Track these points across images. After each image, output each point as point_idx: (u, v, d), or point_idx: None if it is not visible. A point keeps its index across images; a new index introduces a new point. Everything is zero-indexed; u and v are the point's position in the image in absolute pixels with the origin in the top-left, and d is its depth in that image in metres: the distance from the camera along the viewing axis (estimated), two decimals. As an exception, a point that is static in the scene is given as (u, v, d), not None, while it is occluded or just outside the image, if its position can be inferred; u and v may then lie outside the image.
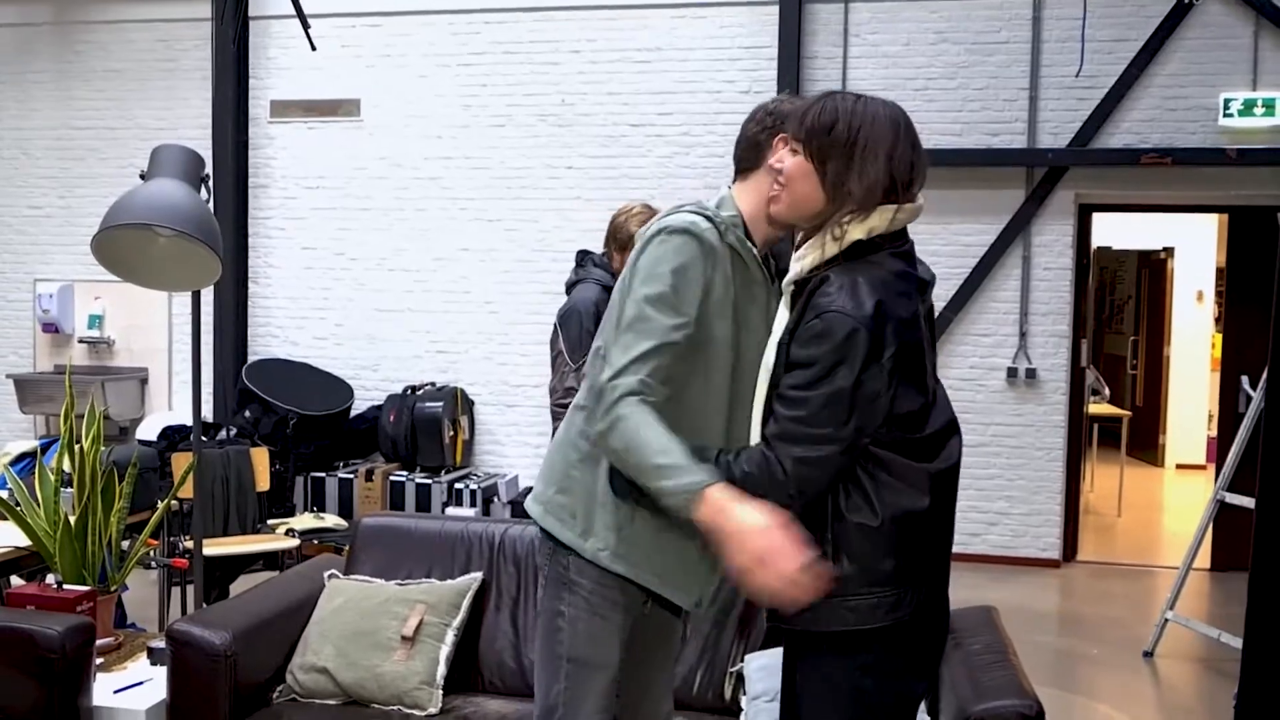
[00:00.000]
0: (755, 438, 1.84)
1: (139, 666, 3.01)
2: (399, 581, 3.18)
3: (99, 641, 2.91)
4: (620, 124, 6.31)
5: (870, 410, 1.75)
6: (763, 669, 2.84)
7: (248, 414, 5.92)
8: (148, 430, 5.75)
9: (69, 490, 3.25)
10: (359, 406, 6.41)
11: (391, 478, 5.96)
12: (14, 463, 4.00)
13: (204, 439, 5.41)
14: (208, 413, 6.30)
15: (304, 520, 5.05)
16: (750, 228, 1.96)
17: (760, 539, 1.67)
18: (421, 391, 6.23)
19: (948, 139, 6.07)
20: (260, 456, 4.73)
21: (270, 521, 5.11)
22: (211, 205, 5.81)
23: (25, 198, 6.79)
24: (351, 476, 5.93)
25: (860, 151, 1.77)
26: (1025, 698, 2.29)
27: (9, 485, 3.21)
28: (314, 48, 5.45)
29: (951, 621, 2.93)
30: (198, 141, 6.40)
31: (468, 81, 6.46)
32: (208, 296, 6.32)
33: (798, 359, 1.75)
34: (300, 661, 2.98)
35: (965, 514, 6.17)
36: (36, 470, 3.29)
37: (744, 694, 2.87)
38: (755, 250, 1.98)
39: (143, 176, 3.15)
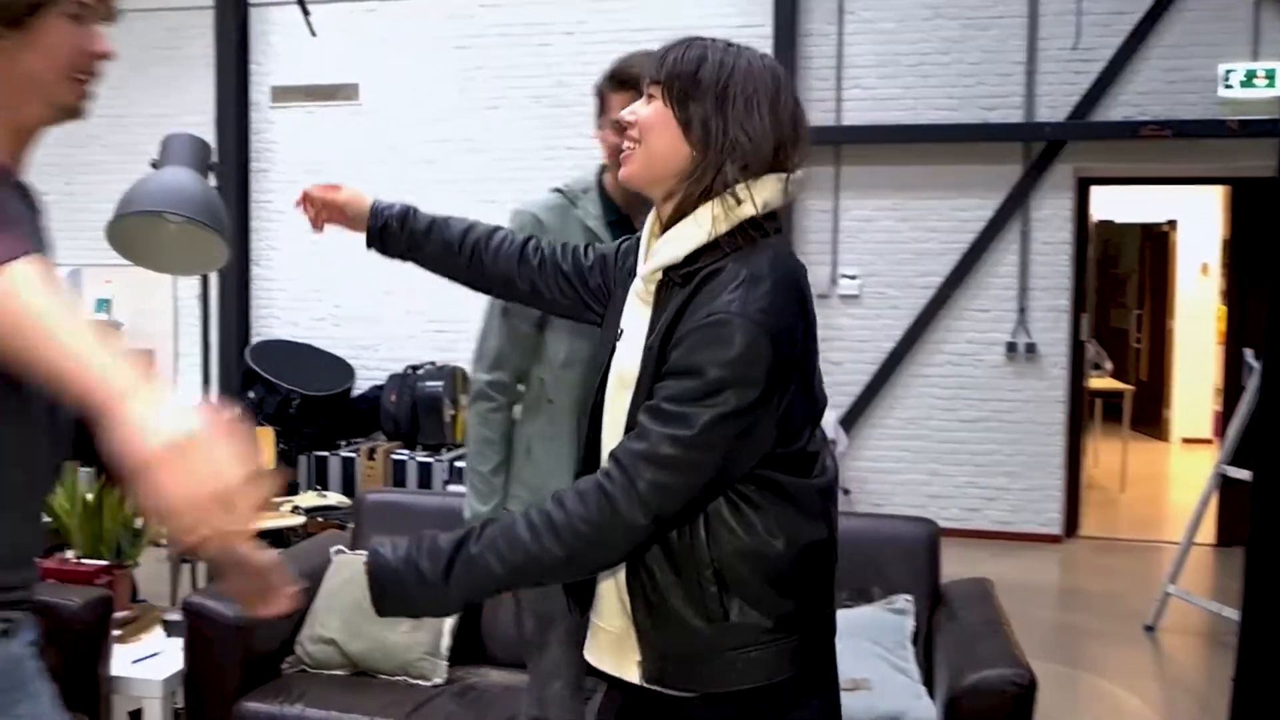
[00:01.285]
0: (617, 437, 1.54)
1: (155, 638, 3.18)
2: (403, 556, 3.35)
3: (117, 614, 3.08)
4: (618, 104, 6.43)
5: (760, 439, 1.47)
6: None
7: (252, 394, 6.08)
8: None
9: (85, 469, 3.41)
10: (360, 386, 6.57)
11: (393, 456, 6.12)
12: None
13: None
14: (213, 393, 6.47)
15: (308, 498, 5.21)
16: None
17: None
18: (422, 371, 6.38)
19: (944, 114, 6.18)
20: (265, 436, 4.89)
21: (275, 500, 5.28)
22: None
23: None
24: (354, 455, 6.10)
25: (735, 97, 1.49)
26: (1018, 667, 2.43)
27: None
28: (313, 34, 5.58)
29: (945, 593, 3.08)
30: (200, 127, 6.53)
31: (464, 65, 6.58)
32: (213, 279, 6.49)
33: (681, 367, 1.44)
34: (309, 633, 3.15)
35: (963, 489, 6.32)
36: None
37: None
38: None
39: (154, 165, 3.30)
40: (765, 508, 1.50)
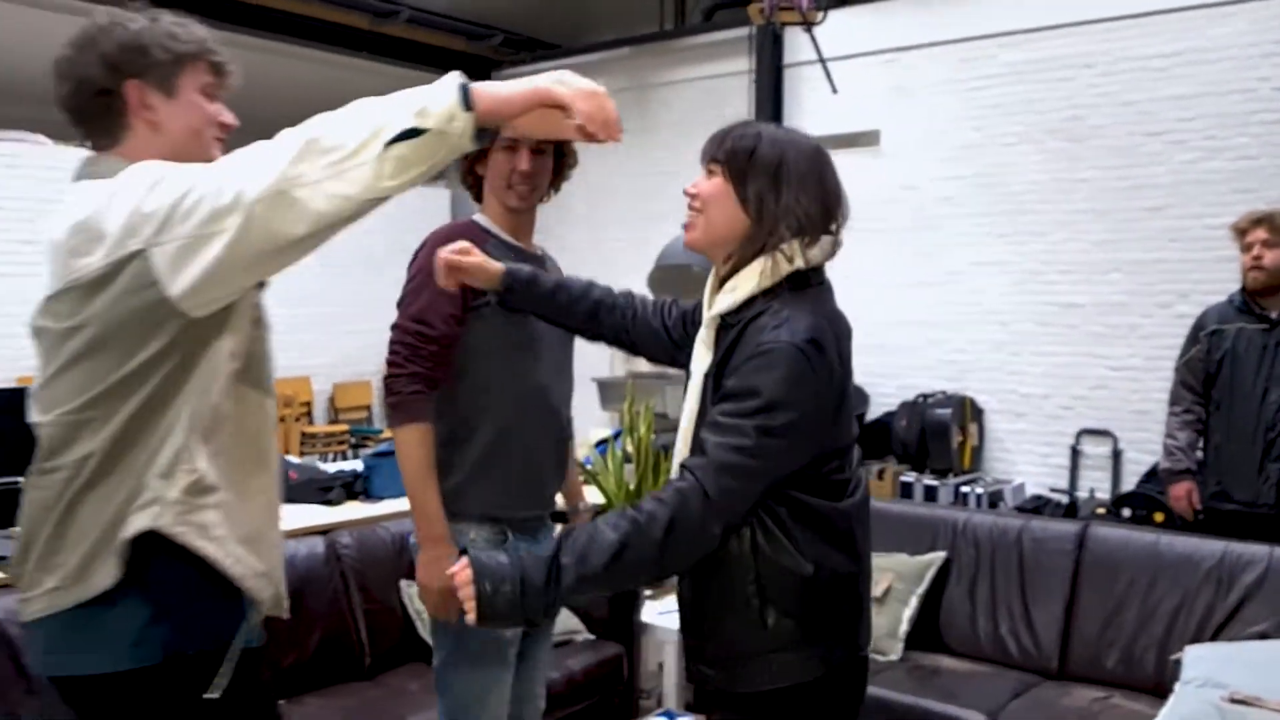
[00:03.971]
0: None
1: (674, 599, 4.18)
2: (874, 553, 4.05)
3: (648, 578, 4.11)
4: (1135, 133, 6.58)
5: (801, 455, 1.74)
6: (1199, 658, 3.31)
7: (775, 415, 7.10)
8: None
9: (630, 465, 4.52)
10: (874, 411, 7.33)
11: (901, 478, 6.80)
12: (596, 445, 5.43)
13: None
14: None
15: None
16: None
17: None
18: (932, 399, 7.00)
19: None
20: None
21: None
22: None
23: (606, 231, 8.59)
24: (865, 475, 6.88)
25: (789, 175, 1.79)
26: None
27: (592, 461, 4.55)
28: (835, 90, 6.47)
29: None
30: (738, 176, 7.74)
31: (979, 104, 7.11)
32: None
33: (736, 389, 1.73)
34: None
35: None
36: (609, 451, 4.61)
37: (1178, 680, 3.34)
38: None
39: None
40: (797, 531, 1.76)
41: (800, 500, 1.77)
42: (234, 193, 1.52)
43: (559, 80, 1.67)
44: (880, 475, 6.86)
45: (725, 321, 1.83)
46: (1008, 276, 7.03)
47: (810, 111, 7.72)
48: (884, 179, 7.46)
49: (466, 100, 1.56)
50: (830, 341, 1.77)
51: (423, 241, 2.47)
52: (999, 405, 7.08)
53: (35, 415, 1.66)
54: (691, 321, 2.09)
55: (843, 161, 7.00)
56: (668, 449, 4.68)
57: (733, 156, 1.83)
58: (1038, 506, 6.43)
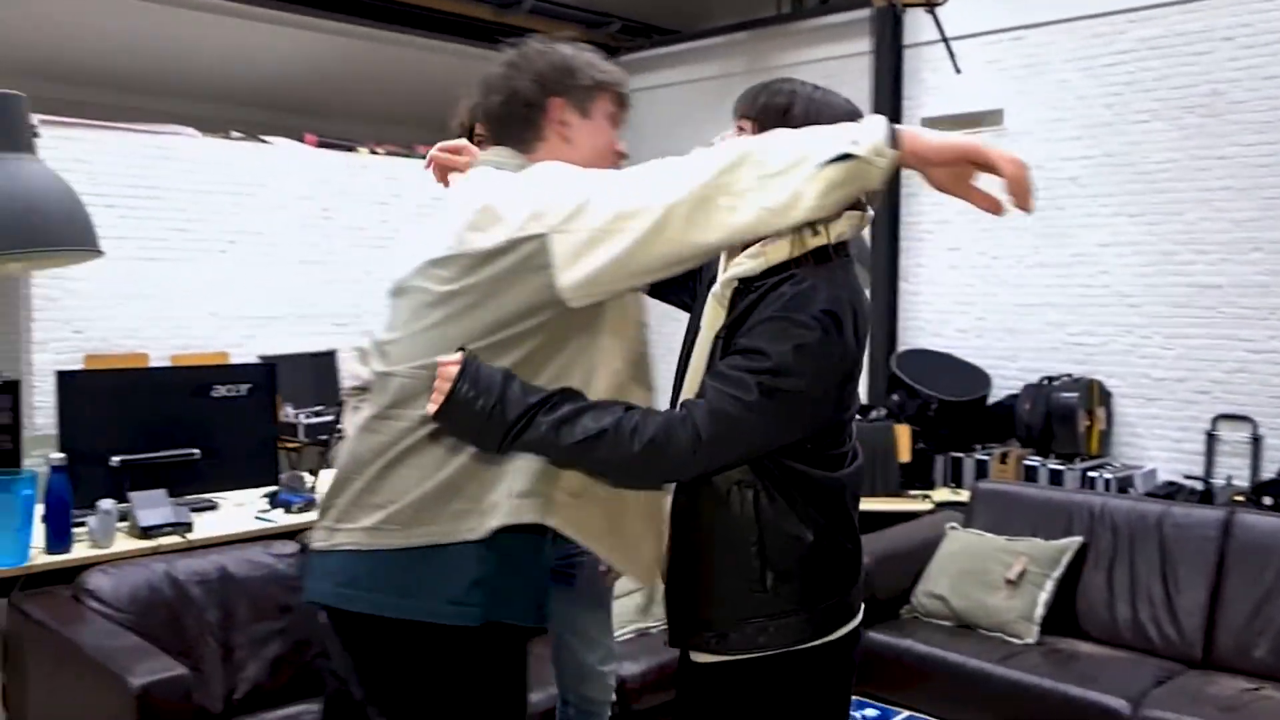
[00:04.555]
0: None
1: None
2: (1007, 537, 4.06)
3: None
4: (1279, 108, 6.39)
5: (801, 425, 1.74)
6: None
7: (895, 398, 7.07)
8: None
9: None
10: (997, 394, 7.25)
11: (1025, 462, 6.72)
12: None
13: (857, 417, 6.67)
14: (863, 396, 7.59)
15: (940, 494, 6.05)
16: None
17: None
18: (1058, 382, 6.90)
19: None
20: (903, 433, 5.82)
21: (912, 492, 6.21)
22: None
23: (723, 213, 8.64)
24: (987, 458, 6.81)
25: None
26: None
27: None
28: (958, 70, 6.41)
29: None
30: (859, 159, 7.71)
31: (1110, 81, 6.96)
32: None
33: (747, 346, 1.71)
34: (923, 589, 4.00)
35: None
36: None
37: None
38: None
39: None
40: (799, 497, 1.76)
41: (800, 470, 1.76)
42: (651, 195, 1.63)
43: (988, 142, 1.70)
44: (1003, 459, 6.79)
45: (744, 286, 1.80)
46: (1140, 257, 6.88)
47: (931, 90, 7.65)
48: (1009, 159, 7.35)
49: (893, 140, 1.62)
50: (849, 317, 1.76)
51: None
52: (1129, 389, 6.95)
53: (381, 365, 1.79)
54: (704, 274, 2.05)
55: (974, 143, 6.72)
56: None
57: (765, 113, 1.82)
58: (1170, 493, 6.30)
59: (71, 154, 6.14)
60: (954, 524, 4.22)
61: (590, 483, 1.73)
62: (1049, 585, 3.84)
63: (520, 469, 1.69)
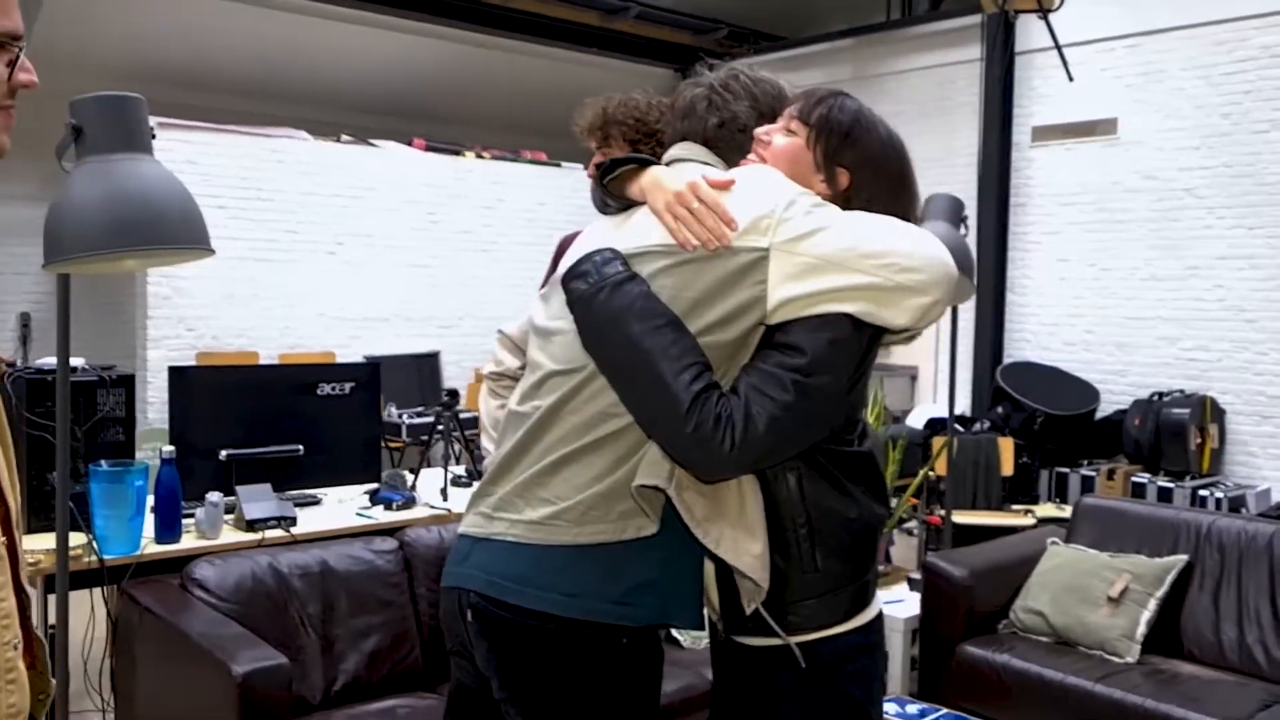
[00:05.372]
0: None
1: (901, 589, 4.19)
2: (1110, 554, 3.95)
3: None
4: None
5: (838, 412, 1.75)
6: None
7: (999, 410, 6.94)
8: (916, 419, 7.06)
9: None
10: (1105, 409, 7.08)
11: (1133, 479, 6.54)
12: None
13: (959, 429, 6.57)
14: (966, 408, 7.47)
15: (1044, 509, 5.92)
16: None
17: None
18: (1169, 398, 6.70)
19: None
20: (1006, 445, 5.72)
21: (1014, 506, 6.09)
22: (975, 227, 6.93)
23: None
24: (1094, 474, 6.65)
25: (887, 172, 1.82)
26: None
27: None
28: (1070, 78, 6.27)
29: None
30: (966, 168, 7.61)
31: (1230, 90, 6.75)
32: (968, 307, 7.50)
33: (784, 342, 1.69)
34: (1022, 604, 3.91)
35: None
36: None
37: None
38: None
39: (919, 219, 4.32)
40: (839, 473, 1.78)
41: (834, 449, 1.77)
42: (909, 252, 1.67)
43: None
44: (1110, 475, 6.62)
45: None
46: (1258, 271, 6.65)
47: (1043, 99, 7.51)
48: (1121, 169, 7.18)
49: None
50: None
51: (558, 245, 2.46)
52: (1244, 406, 6.72)
53: (543, 354, 1.81)
54: None
55: (1078, 151, 6.85)
56: (895, 439, 4.69)
57: (825, 126, 1.81)
58: (1286, 514, 6.08)
59: (185, 155, 6.39)
60: (1055, 539, 4.13)
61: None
62: (1152, 604, 3.73)
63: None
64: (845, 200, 1.79)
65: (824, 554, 1.76)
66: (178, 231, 2.31)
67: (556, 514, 1.70)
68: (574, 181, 8.21)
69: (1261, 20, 6.63)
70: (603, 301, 1.69)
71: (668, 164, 1.90)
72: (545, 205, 8.22)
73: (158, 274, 6.41)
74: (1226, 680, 3.56)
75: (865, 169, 1.80)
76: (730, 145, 1.90)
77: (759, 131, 1.87)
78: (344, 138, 6.84)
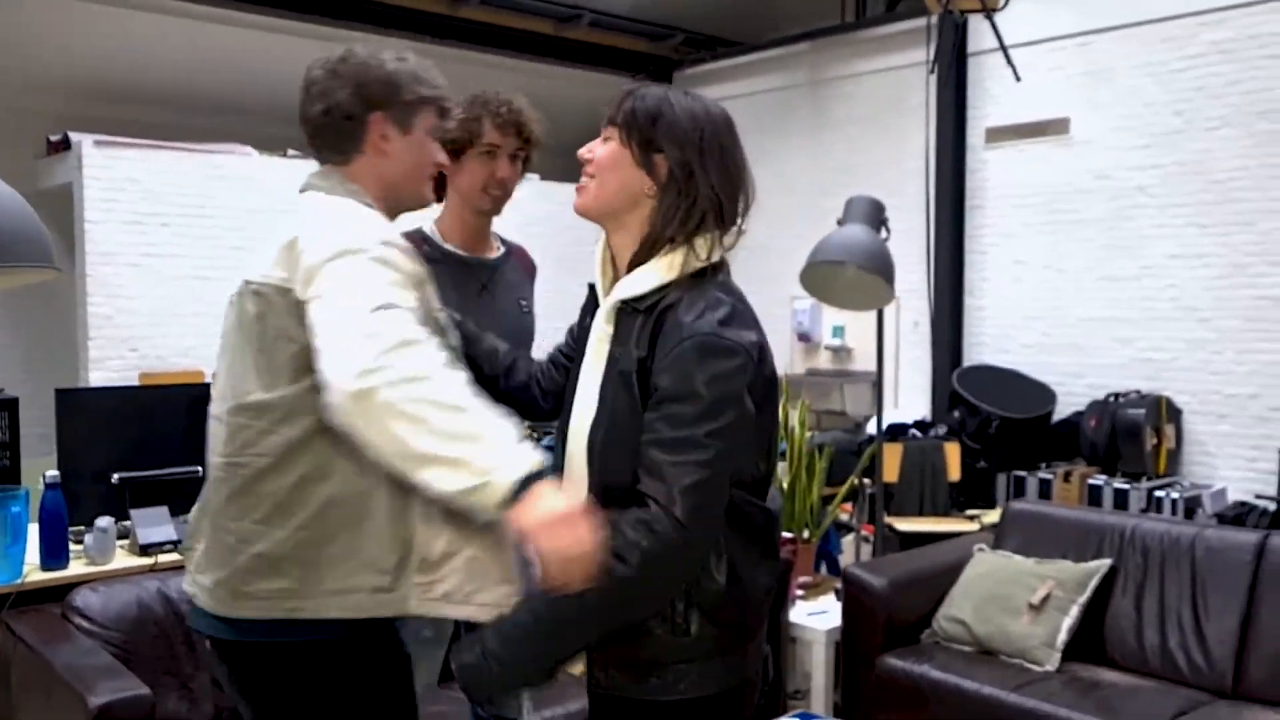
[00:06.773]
0: (582, 492, 1.70)
1: (828, 600, 4.14)
2: (1036, 560, 3.90)
3: (801, 579, 4.08)
4: (1357, 113, 6.10)
5: (748, 443, 1.70)
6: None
7: (956, 414, 6.89)
8: (874, 425, 7.00)
9: (782, 462, 4.50)
10: (1063, 411, 7.02)
11: (1090, 481, 6.48)
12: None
13: (915, 434, 6.51)
14: (925, 412, 7.41)
15: (996, 514, 5.85)
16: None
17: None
18: (1125, 399, 6.65)
19: None
20: (953, 451, 5.65)
21: (970, 512, 6.03)
22: (931, 231, 6.88)
23: (788, 228, 8.51)
24: (1051, 477, 6.59)
25: (709, 149, 1.73)
26: None
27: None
28: (1018, 78, 6.22)
29: None
30: (917, 171, 7.56)
31: (1179, 87, 6.70)
32: (924, 311, 7.45)
33: (675, 392, 1.63)
34: (945, 613, 3.86)
35: None
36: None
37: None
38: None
39: (840, 222, 4.28)
40: (727, 540, 1.69)
41: (732, 503, 1.69)
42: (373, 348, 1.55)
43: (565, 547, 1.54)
44: (1067, 478, 6.56)
45: (627, 306, 1.74)
46: (1210, 270, 6.61)
47: (995, 100, 7.46)
48: (1074, 169, 7.14)
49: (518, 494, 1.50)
50: (750, 323, 1.72)
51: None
52: (1199, 406, 6.67)
53: None
54: (558, 361, 2.03)
55: (1031, 151, 6.79)
56: (822, 446, 4.64)
57: (632, 119, 1.73)
58: (1241, 514, 6.02)
59: (126, 173, 6.33)
60: (982, 545, 4.08)
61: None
62: (1074, 610, 3.68)
63: None
64: (679, 193, 1.71)
65: (700, 621, 1.70)
66: (16, 250, 2.26)
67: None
68: (529, 193, 8.14)
69: (1209, 16, 6.59)
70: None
71: (301, 191, 1.89)
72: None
73: (100, 294, 6.35)
74: (1146, 686, 3.51)
75: (683, 149, 1.71)
76: (337, 133, 1.84)
77: (581, 151, 1.79)
78: (290, 152, 6.78)
